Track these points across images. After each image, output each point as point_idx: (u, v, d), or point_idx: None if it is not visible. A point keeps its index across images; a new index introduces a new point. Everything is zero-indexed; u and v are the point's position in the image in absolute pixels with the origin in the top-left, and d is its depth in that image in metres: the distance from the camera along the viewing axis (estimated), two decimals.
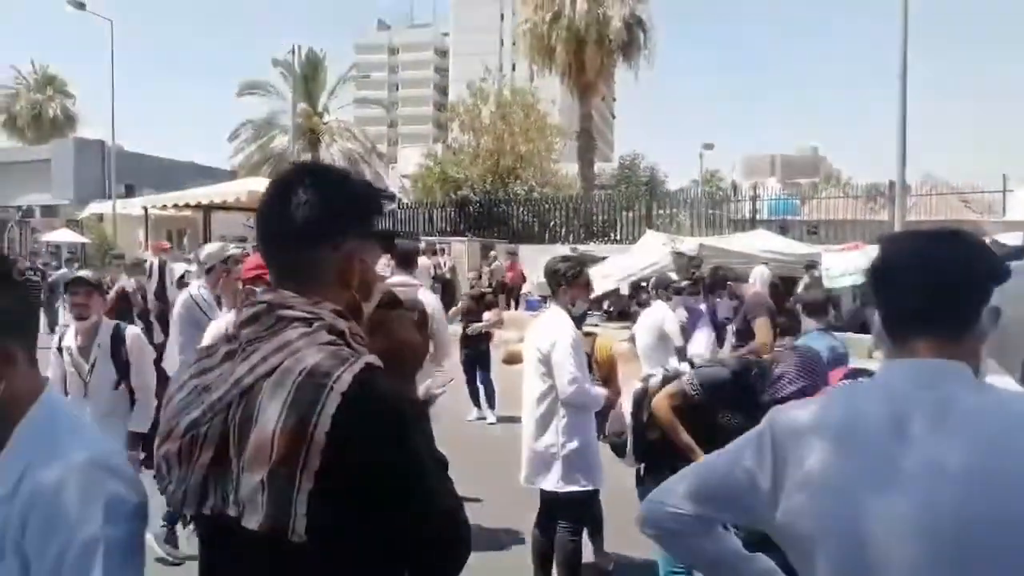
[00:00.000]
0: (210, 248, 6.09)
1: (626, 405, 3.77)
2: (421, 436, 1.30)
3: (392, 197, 32.58)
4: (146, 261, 11.80)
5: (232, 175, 33.65)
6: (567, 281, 4.20)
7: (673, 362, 4.15)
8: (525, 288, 20.26)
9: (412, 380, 1.51)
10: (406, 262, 4.85)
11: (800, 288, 13.88)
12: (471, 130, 30.66)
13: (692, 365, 3.90)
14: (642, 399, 3.69)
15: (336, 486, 1.17)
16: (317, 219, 1.32)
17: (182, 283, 10.24)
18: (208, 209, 26.05)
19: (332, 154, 35.78)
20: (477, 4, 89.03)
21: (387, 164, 43.45)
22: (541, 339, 4.13)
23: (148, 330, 9.18)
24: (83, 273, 4.60)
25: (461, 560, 1.32)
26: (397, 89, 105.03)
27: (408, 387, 1.44)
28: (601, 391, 4.20)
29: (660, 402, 3.52)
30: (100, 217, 28.32)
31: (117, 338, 4.38)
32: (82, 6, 25.71)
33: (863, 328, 9.90)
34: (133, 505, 1.29)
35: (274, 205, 1.36)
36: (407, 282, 4.56)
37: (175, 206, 25.41)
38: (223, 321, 4.35)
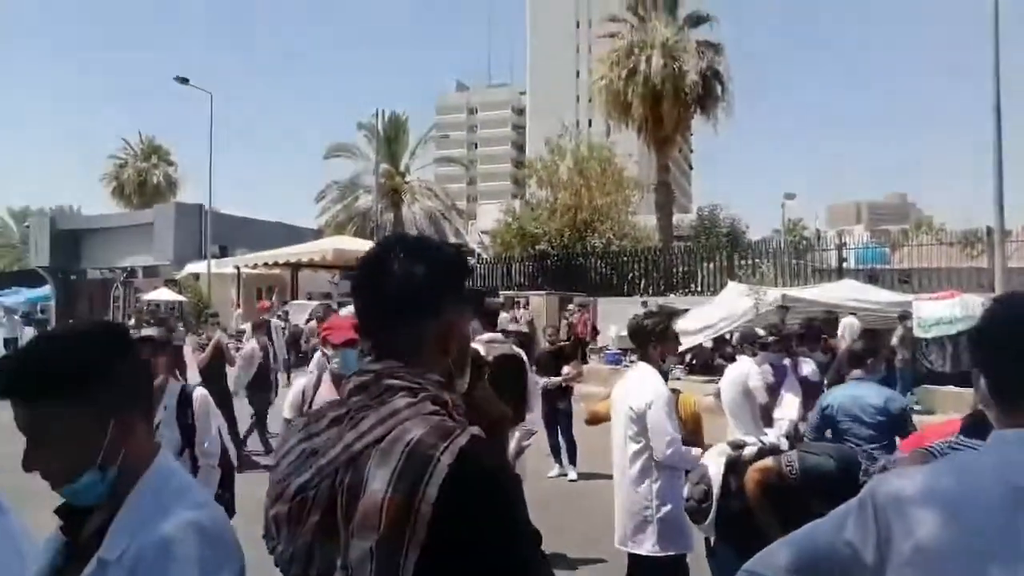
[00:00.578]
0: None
1: (712, 469, 3.64)
2: (521, 510, 1.31)
3: (472, 253, 33.16)
4: (268, 321, 13.09)
5: (318, 234, 34.97)
6: (656, 337, 4.14)
7: (772, 434, 3.98)
8: (600, 341, 20.07)
9: (505, 450, 1.53)
10: (492, 319, 4.91)
11: (895, 340, 13.31)
12: (548, 185, 31.01)
13: (791, 442, 3.77)
14: (734, 467, 3.57)
15: (440, 558, 1.19)
16: (416, 292, 1.36)
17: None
18: (296, 267, 27.13)
19: (414, 212, 36.81)
20: (553, 63, 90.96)
21: (467, 220, 44.30)
22: (633, 398, 4.06)
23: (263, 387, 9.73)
24: (149, 332, 4.53)
25: None
26: (475, 147, 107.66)
27: (504, 458, 1.47)
28: (697, 452, 4.11)
29: (752, 475, 3.41)
30: (196, 276, 29.79)
31: (184, 401, 4.16)
32: (186, 81, 27.63)
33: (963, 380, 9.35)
34: (226, 571, 1.32)
35: (370, 279, 1.41)
36: (495, 338, 4.62)
37: (265, 264, 26.57)
38: (299, 384, 4.51)
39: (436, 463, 1.20)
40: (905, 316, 13.57)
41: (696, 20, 29.10)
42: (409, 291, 1.35)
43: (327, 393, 4.13)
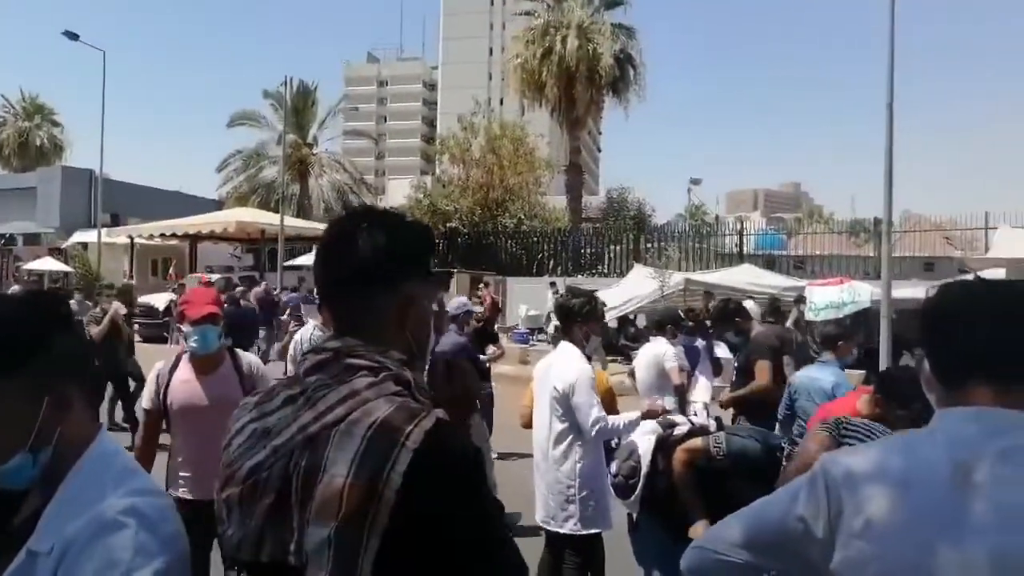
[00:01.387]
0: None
1: (642, 446, 3.72)
2: (486, 490, 1.28)
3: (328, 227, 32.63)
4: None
5: (218, 205, 33.62)
6: (582, 317, 4.18)
7: (700, 415, 4.10)
8: (509, 320, 20.21)
9: (469, 424, 1.51)
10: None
11: (789, 322, 13.99)
12: (461, 162, 30.86)
13: (720, 425, 3.87)
14: (662, 445, 3.65)
15: (403, 544, 1.16)
16: (379, 262, 1.32)
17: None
18: (195, 239, 25.97)
19: (321, 185, 35.86)
20: (466, 39, 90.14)
21: (375, 195, 43.52)
22: (557, 378, 4.08)
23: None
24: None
25: None
26: (385, 121, 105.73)
27: (469, 439, 1.43)
28: (629, 415, 4.15)
29: (680, 455, 3.49)
30: (85, 246, 28.12)
31: None
32: (75, 36, 25.79)
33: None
34: (163, 559, 1.23)
35: (335, 250, 1.37)
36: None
37: (161, 235, 25.32)
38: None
39: (401, 447, 1.16)
40: (800, 300, 14.28)
41: (611, 3, 29.45)
42: (371, 262, 1.32)
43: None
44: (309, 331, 5.83)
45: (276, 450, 1.25)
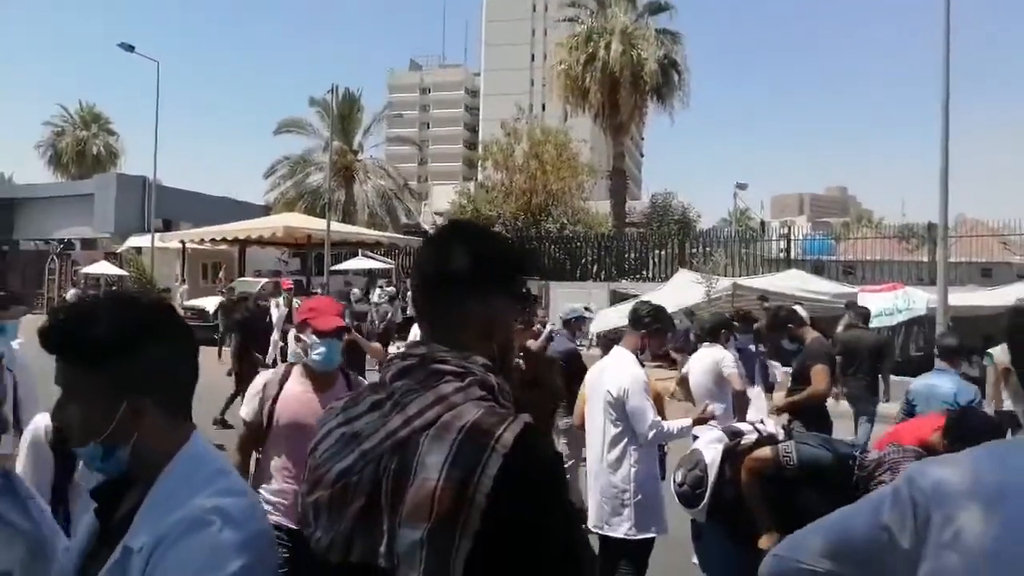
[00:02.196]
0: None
1: (707, 456, 3.69)
2: (568, 493, 1.31)
3: (424, 234, 32.90)
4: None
5: (267, 211, 34.23)
6: (647, 329, 4.24)
7: (768, 424, 4.06)
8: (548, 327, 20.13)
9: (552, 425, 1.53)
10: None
11: (840, 328, 13.76)
12: (504, 168, 30.95)
13: (789, 434, 3.83)
14: (729, 454, 3.62)
15: (493, 546, 1.17)
16: (470, 270, 1.36)
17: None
18: (244, 244, 26.50)
19: (366, 191, 36.29)
20: (508, 45, 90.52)
21: (419, 201, 43.89)
22: (611, 383, 4.09)
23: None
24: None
25: None
26: (428, 127, 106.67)
27: (554, 444, 1.47)
28: (683, 422, 4.17)
29: (749, 464, 3.45)
30: (139, 250, 28.87)
31: None
32: (131, 48, 26.58)
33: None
34: (243, 559, 1.24)
35: (430, 256, 1.42)
36: None
37: (212, 240, 25.88)
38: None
39: (492, 451, 1.19)
40: (851, 305, 13.98)
41: (655, 8, 29.29)
42: (465, 267, 1.35)
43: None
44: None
45: (365, 454, 1.27)
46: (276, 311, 13.98)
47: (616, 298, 19.36)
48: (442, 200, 38.51)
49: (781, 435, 3.67)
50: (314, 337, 3.38)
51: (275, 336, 13.17)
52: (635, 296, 17.63)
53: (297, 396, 3.39)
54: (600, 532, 4.16)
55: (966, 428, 3.08)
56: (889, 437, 3.67)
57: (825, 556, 1.41)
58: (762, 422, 3.85)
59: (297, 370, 3.50)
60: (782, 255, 22.92)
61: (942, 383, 5.12)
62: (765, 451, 3.41)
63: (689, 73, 28.89)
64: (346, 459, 1.29)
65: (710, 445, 3.69)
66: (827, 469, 3.16)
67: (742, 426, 3.78)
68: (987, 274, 21.07)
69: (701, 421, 4.11)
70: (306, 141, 37.72)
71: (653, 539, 4.13)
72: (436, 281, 1.39)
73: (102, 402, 1.31)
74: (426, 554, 1.17)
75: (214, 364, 13.20)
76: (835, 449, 3.26)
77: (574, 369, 5.42)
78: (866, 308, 9.35)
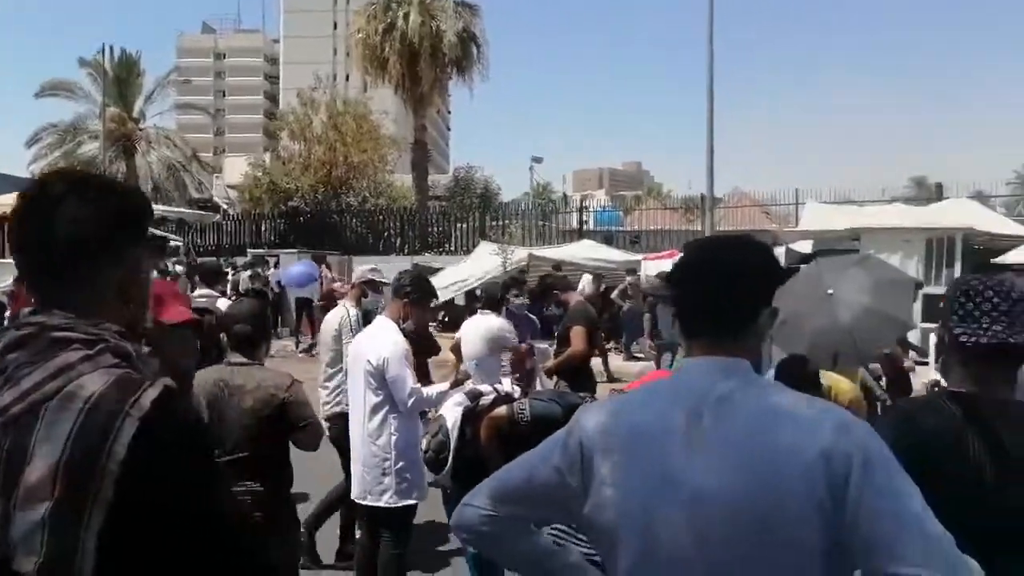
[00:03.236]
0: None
1: (449, 420, 3.76)
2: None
3: (217, 208, 31.01)
4: None
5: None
6: (408, 298, 4.25)
7: (506, 382, 4.21)
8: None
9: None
10: (212, 278, 5.37)
11: (615, 294, 14.76)
12: (302, 139, 29.80)
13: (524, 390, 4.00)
14: (470, 416, 3.70)
15: (131, 518, 1.11)
16: (93, 231, 1.22)
17: None
18: (2, 220, 23.57)
19: (149, 162, 33.52)
20: (308, 11, 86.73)
21: (211, 173, 41.19)
22: (371, 352, 4.06)
23: None
24: None
25: None
26: (224, 96, 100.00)
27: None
28: (441, 386, 4.23)
29: (486, 423, 3.55)
30: None
31: None
32: None
33: None
34: None
35: (36, 218, 1.23)
36: (210, 294, 4.58)
37: None
38: None
39: (124, 417, 1.11)
40: (632, 271, 15.05)
41: None
42: (85, 229, 1.21)
43: None
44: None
45: None
46: None
47: (419, 271, 19.40)
48: (235, 172, 36.35)
49: (517, 394, 3.84)
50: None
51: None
52: (439, 269, 17.79)
53: None
54: (364, 503, 4.17)
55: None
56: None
57: (500, 500, 1.49)
58: (500, 382, 4.02)
59: None
60: (577, 227, 24.07)
61: None
62: (501, 410, 3.55)
63: (488, 46, 29.28)
64: None
65: (451, 409, 3.78)
66: (557, 421, 3.35)
67: (482, 387, 3.91)
68: None
69: (457, 383, 4.20)
70: (76, 106, 34.11)
71: (415, 506, 4.20)
72: (51, 250, 1.22)
73: None
74: (48, 535, 1.08)
75: None
76: (566, 402, 3.46)
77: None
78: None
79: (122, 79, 33.63)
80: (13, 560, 1.10)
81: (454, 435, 3.68)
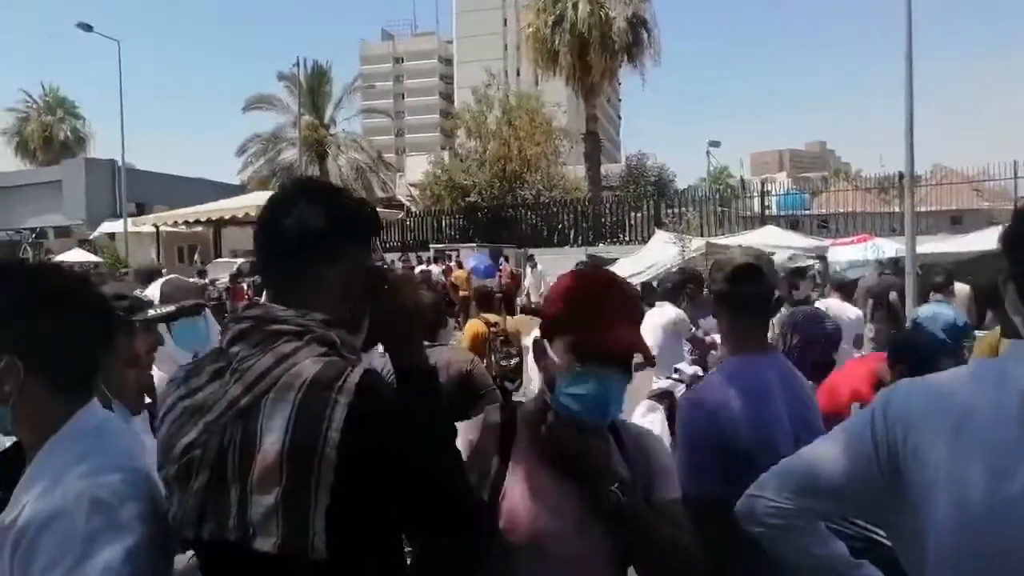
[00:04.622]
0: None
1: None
2: (428, 421, 1.32)
3: (400, 206, 32.68)
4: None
5: (241, 190, 33.83)
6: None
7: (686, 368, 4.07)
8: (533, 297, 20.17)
9: (420, 340, 1.50)
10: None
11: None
12: (477, 136, 30.71)
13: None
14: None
15: (353, 497, 1.18)
16: (317, 233, 1.32)
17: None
18: (218, 224, 26.19)
19: (340, 165, 35.93)
20: (480, 11, 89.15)
21: (395, 173, 43.55)
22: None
23: None
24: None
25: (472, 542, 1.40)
26: (403, 98, 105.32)
27: (418, 349, 1.43)
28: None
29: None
30: (112, 236, 28.52)
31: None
32: (89, 28, 25.96)
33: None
34: (119, 544, 1.21)
35: (272, 221, 1.37)
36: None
37: (185, 223, 25.56)
38: None
39: (334, 404, 1.18)
40: (821, 258, 14.14)
41: None
42: (311, 231, 1.32)
43: None
44: None
45: (208, 426, 1.25)
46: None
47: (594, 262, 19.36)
48: (416, 171, 38.16)
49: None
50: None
51: None
52: (613, 260, 17.67)
53: None
54: None
55: (918, 347, 3.21)
56: (829, 382, 3.61)
57: (794, 492, 1.38)
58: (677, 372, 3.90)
59: None
60: (758, 213, 22.97)
61: (944, 310, 5.26)
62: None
63: (659, 30, 28.63)
64: (190, 433, 1.27)
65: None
66: None
67: (662, 383, 3.81)
68: (957, 221, 21.19)
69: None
70: (277, 117, 37.21)
71: None
72: (281, 249, 1.35)
73: None
74: (282, 517, 1.17)
75: None
76: None
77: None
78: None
79: (314, 89, 36.25)
80: (253, 541, 1.19)
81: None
